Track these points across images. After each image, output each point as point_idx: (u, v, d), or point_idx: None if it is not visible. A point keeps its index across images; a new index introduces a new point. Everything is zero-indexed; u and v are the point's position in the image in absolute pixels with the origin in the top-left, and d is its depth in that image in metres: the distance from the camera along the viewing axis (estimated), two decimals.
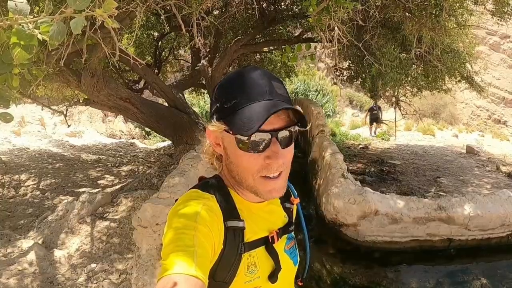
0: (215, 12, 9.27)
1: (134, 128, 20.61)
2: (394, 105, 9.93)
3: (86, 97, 8.25)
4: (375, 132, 15.63)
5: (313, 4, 3.38)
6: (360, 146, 11.67)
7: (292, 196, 1.36)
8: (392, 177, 8.03)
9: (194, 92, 16.05)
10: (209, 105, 6.93)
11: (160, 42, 11.43)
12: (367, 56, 6.79)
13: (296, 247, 1.32)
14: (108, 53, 2.69)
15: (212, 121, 1.07)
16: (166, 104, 9.05)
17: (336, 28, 3.34)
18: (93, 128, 18.11)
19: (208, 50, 10.41)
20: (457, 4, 4.74)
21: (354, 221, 4.50)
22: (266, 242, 1.16)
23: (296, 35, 10.19)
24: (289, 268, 1.25)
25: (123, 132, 20.04)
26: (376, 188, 6.22)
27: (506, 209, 4.70)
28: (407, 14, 5.35)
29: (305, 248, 1.43)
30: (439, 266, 4.59)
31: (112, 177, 8.72)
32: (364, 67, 7.24)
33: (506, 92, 31.38)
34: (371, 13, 5.70)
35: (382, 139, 13.59)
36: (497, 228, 4.73)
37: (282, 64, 13.29)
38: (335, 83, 9.04)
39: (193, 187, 1.15)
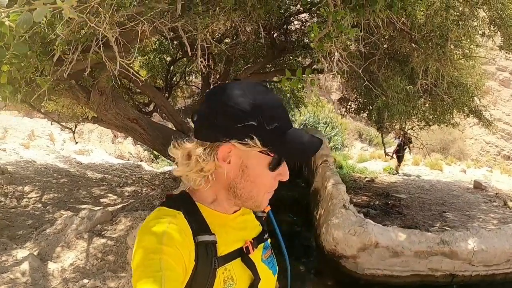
0: (227, 40, 9.40)
1: (143, 151, 20.66)
2: (401, 139, 9.92)
3: (94, 115, 8.32)
4: (397, 171, 14.05)
5: (315, 29, 3.41)
6: (366, 179, 11.54)
7: None
8: (397, 211, 7.90)
9: None
10: None
11: (172, 67, 11.51)
12: (373, 88, 6.84)
13: (274, 256, 1.31)
14: (112, 70, 2.71)
15: (244, 139, 1.00)
16: (174, 128, 9.08)
17: (336, 54, 3.32)
18: (102, 148, 18.12)
19: (218, 76, 10.52)
20: (463, 36, 4.73)
21: (354, 253, 4.42)
22: (242, 254, 1.14)
23: (306, 65, 10.25)
24: (268, 278, 1.22)
25: (131, 154, 20.08)
26: (380, 221, 6.12)
27: None
28: (413, 45, 5.38)
29: (283, 256, 1.40)
30: None
31: (115, 197, 8.70)
32: (371, 99, 7.24)
33: None
34: (378, 44, 5.78)
35: (389, 173, 13.47)
36: (502, 264, 4.62)
37: (291, 95, 13.32)
38: (341, 115, 9.03)
39: (160, 205, 1.12)
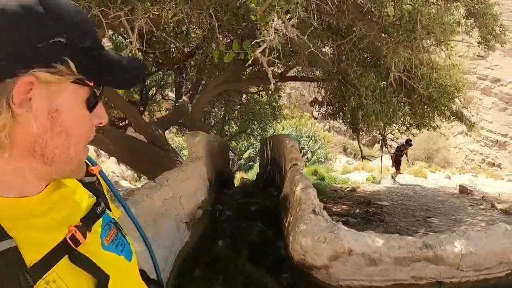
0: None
1: (126, 169, 20.37)
2: (380, 143, 9.53)
3: None
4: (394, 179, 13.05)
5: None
6: (348, 189, 11.13)
7: (91, 164, 0.93)
8: (378, 218, 7.48)
9: (179, 132, 15.81)
10: (188, 149, 6.63)
11: (147, 81, 11.35)
12: (346, 85, 6.47)
13: (124, 234, 0.95)
14: None
15: (51, 64, 0.64)
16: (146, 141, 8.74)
17: (278, 21, 2.85)
18: None
19: (190, 86, 10.22)
20: (435, 21, 4.34)
21: (325, 263, 3.86)
22: (67, 249, 0.72)
23: (280, 72, 9.94)
24: (121, 269, 0.85)
25: (115, 173, 19.78)
26: (361, 230, 5.63)
27: (503, 245, 4.09)
28: (383, 35, 5.03)
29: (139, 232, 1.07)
30: None
31: None
32: (344, 100, 6.88)
33: (499, 135, 31.37)
34: (347, 38, 5.43)
35: (372, 182, 13.06)
36: (494, 267, 4.10)
37: (269, 106, 13.02)
38: (314, 117, 8.63)
39: None
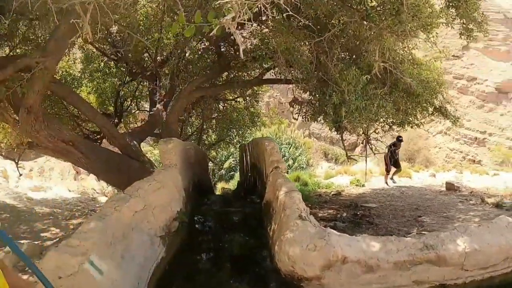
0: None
1: (106, 186, 19.80)
2: (364, 143, 9.21)
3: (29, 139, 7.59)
4: (392, 179, 12.31)
5: None
6: (332, 193, 10.77)
7: None
8: (367, 221, 7.14)
9: (156, 144, 15.39)
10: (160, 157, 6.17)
11: (121, 92, 11.03)
12: (327, 81, 6.13)
13: None
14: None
15: None
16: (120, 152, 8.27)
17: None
18: (65, 186, 17.41)
19: (164, 94, 9.83)
20: (421, 2, 4.00)
21: (317, 273, 3.43)
22: None
23: (256, 75, 9.60)
24: None
25: (95, 190, 19.20)
26: (350, 234, 5.25)
27: (508, 239, 3.76)
28: (365, 23, 4.68)
29: None
30: None
31: (58, 230, 8.14)
32: (325, 98, 6.53)
33: (478, 132, 31.87)
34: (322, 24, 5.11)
35: (357, 185, 12.72)
36: (500, 263, 3.76)
37: (247, 112, 12.63)
38: (294, 118, 8.25)
39: None
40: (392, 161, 11.94)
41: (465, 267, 3.63)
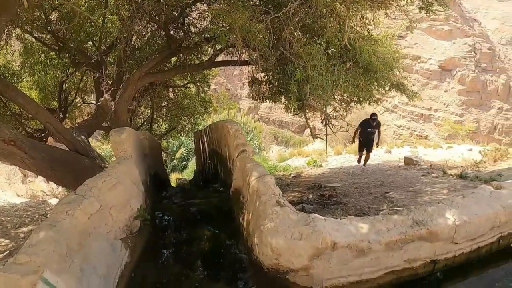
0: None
1: (57, 187, 18.75)
2: (324, 122, 9.00)
3: None
4: (360, 161, 11.09)
5: None
6: (292, 175, 10.55)
7: None
8: (335, 201, 6.91)
9: (106, 138, 14.66)
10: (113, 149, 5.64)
11: (65, 84, 10.32)
12: (290, 57, 5.80)
13: None
14: None
15: None
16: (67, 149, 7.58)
17: None
18: (13, 191, 16.16)
19: (111, 82, 9.14)
20: None
21: (305, 263, 3.09)
22: None
23: (207, 58, 9.13)
24: None
25: (45, 192, 18.13)
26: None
27: (494, 208, 3.62)
28: None
29: None
30: None
31: (8, 241, 7.22)
32: (287, 76, 6.22)
33: (424, 108, 33.08)
34: None
35: (314, 165, 12.61)
36: (487, 233, 3.66)
37: (198, 98, 12.15)
38: (253, 98, 7.86)
39: None
40: (362, 141, 10.57)
41: (455, 240, 3.45)
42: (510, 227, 3.91)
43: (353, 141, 11.19)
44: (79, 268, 3.01)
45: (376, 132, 10.34)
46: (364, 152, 10.77)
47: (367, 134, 10.30)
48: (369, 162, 11.21)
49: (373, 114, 10.11)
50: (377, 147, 11.12)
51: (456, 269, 3.64)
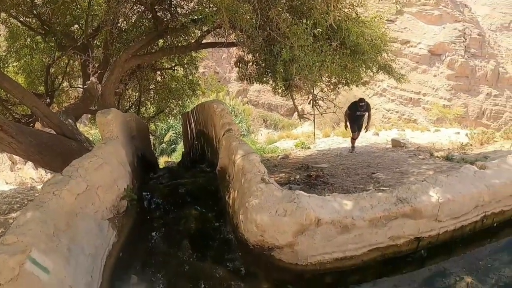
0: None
1: (46, 174, 18.65)
2: (311, 104, 9.01)
3: None
4: (353, 147, 10.73)
5: None
6: (280, 156, 10.59)
7: None
8: (322, 181, 6.96)
9: (93, 122, 14.58)
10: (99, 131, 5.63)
11: (52, 69, 10.23)
12: (275, 40, 5.79)
13: None
14: None
15: None
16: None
17: None
18: (1, 178, 16.66)
19: (98, 64, 9.05)
20: None
21: (290, 240, 3.14)
22: None
23: (194, 40, 9.06)
24: None
25: (34, 179, 18.07)
26: None
27: (478, 187, 3.68)
28: None
29: None
30: (411, 275, 3.48)
31: None
32: (273, 56, 6.22)
33: (412, 92, 33.29)
34: None
35: (302, 147, 12.67)
36: (471, 212, 3.71)
37: (186, 80, 12.09)
38: (240, 79, 7.85)
39: None
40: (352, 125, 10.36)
41: (439, 218, 3.51)
42: (493, 207, 3.97)
43: (346, 127, 10.66)
44: (66, 248, 3.01)
45: (366, 115, 10.12)
46: (357, 134, 10.52)
47: (356, 117, 10.17)
48: (356, 144, 11.11)
49: (361, 100, 9.86)
50: (365, 131, 10.84)
51: (440, 247, 3.70)
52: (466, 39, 34.66)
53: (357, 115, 10.09)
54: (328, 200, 3.33)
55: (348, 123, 10.42)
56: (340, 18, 6.09)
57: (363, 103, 9.81)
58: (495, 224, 4.06)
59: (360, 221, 3.20)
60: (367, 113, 10.08)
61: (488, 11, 39.84)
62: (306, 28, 5.52)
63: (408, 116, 32.70)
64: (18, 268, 2.50)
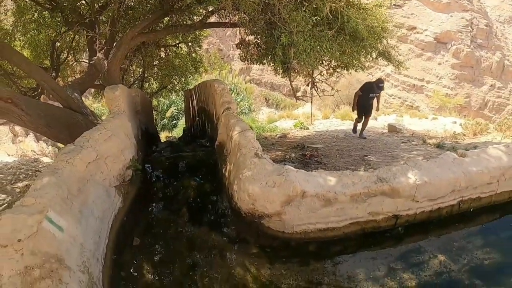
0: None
1: (46, 146, 18.93)
2: (310, 86, 9.27)
3: None
4: (354, 130, 10.38)
5: None
6: (278, 135, 10.91)
7: None
8: (316, 161, 7.31)
9: (97, 97, 14.80)
10: (107, 105, 5.93)
11: (57, 43, 10.39)
12: (275, 24, 6.03)
13: None
14: None
15: None
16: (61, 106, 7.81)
17: None
18: (3, 150, 16.46)
19: (104, 41, 9.28)
20: None
21: (278, 209, 3.51)
22: None
23: (199, 20, 9.26)
24: None
25: (35, 152, 18.34)
26: None
27: (455, 173, 4.00)
28: None
29: None
30: (388, 249, 3.80)
31: (4, 195, 7.51)
32: (273, 40, 6.47)
33: (416, 79, 33.33)
34: None
35: (301, 128, 12.96)
36: (447, 195, 4.03)
37: (189, 58, 12.29)
38: (241, 60, 8.10)
39: None
40: (360, 107, 9.82)
41: (416, 199, 3.84)
42: (470, 193, 4.25)
43: (354, 108, 10.06)
44: (78, 210, 3.37)
45: (376, 97, 9.69)
46: (362, 118, 10.00)
47: (368, 99, 9.60)
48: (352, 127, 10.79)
49: (380, 81, 9.37)
50: (377, 111, 10.44)
51: (417, 226, 4.02)
52: (473, 29, 34.56)
53: (370, 96, 9.55)
54: (314, 175, 3.68)
55: (356, 105, 9.85)
56: (341, 4, 6.28)
57: (382, 84, 9.34)
58: (471, 210, 4.34)
59: (342, 196, 3.55)
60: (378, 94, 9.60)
61: (497, 2, 39.55)
62: (305, 15, 5.77)
63: (410, 102, 32.85)
64: (36, 226, 2.80)
